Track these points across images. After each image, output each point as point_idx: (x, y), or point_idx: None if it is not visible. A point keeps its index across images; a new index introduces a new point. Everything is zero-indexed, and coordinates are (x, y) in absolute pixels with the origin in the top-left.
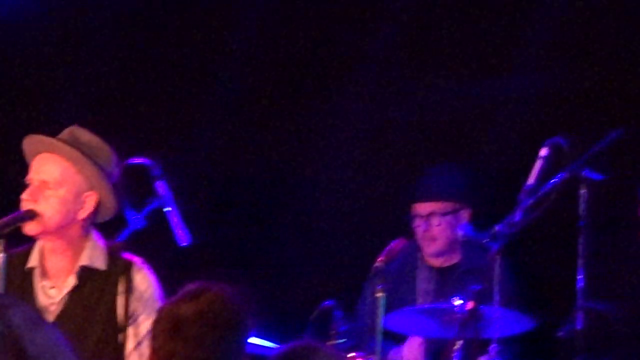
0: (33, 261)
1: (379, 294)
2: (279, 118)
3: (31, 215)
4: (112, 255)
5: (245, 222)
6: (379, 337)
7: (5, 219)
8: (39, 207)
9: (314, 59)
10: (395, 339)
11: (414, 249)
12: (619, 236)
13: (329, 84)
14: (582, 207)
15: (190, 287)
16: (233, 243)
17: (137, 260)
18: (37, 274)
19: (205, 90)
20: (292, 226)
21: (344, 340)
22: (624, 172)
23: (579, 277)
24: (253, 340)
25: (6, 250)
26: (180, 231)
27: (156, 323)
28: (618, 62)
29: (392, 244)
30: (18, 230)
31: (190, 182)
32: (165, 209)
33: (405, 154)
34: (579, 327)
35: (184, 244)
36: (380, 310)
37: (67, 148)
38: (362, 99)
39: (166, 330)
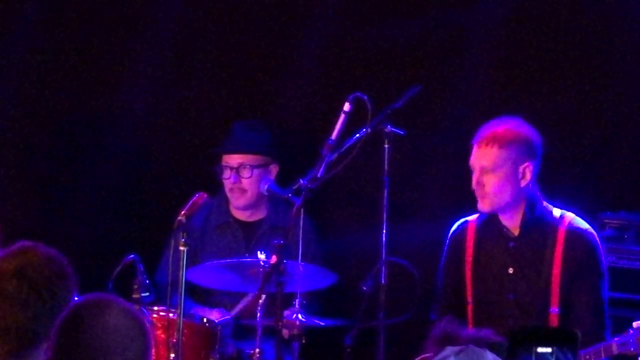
0: None
1: (182, 248)
2: (77, 75)
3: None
4: None
5: (46, 174)
6: (181, 291)
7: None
8: None
9: None
10: (198, 293)
11: (221, 203)
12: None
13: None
14: (385, 161)
15: (14, 245)
16: (33, 196)
17: None
18: None
19: None
20: (94, 180)
21: (147, 294)
22: (423, 128)
23: (383, 231)
24: None
25: None
26: None
27: None
28: (413, 21)
29: (193, 198)
30: None
31: None
32: None
33: (207, 109)
34: (382, 281)
35: None
36: (183, 264)
37: None
38: (154, 56)
39: None
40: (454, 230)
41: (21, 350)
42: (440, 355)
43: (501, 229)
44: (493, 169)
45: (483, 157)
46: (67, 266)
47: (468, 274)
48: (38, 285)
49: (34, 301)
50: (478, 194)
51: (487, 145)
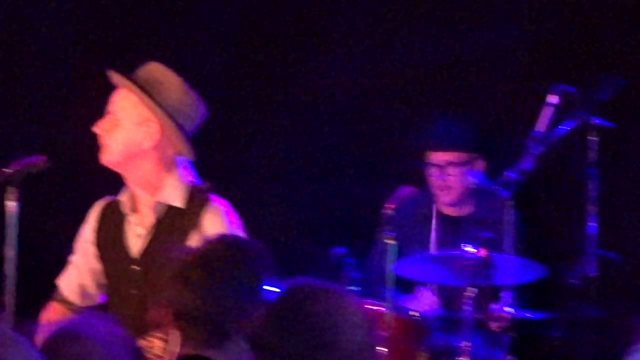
0: (124, 199)
1: (389, 241)
2: (277, 65)
3: (41, 164)
4: (194, 195)
5: (257, 168)
6: (389, 285)
7: (16, 167)
8: (107, 138)
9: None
10: (407, 286)
11: (428, 197)
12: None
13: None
14: (592, 153)
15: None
16: (242, 189)
17: (215, 201)
18: (128, 210)
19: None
20: (302, 172)
21: (355, 287)
22: (631, 119)
23: (589, 223)
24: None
25: (19, 199)
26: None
27: (167, 268)
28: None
29: (399, 191)
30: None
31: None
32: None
33: (412, 102)
34: (591, 273)
35: None
36: (390, 258)
37: (127, 81)
38: (355, 48)
39: (171, 275)
40: None
41: (213, 339)
42: None
43: None
44: None
45: None
46: (256, 254)
47: None
48: (220, 274)
49: (216, 290)
50: None
51: None
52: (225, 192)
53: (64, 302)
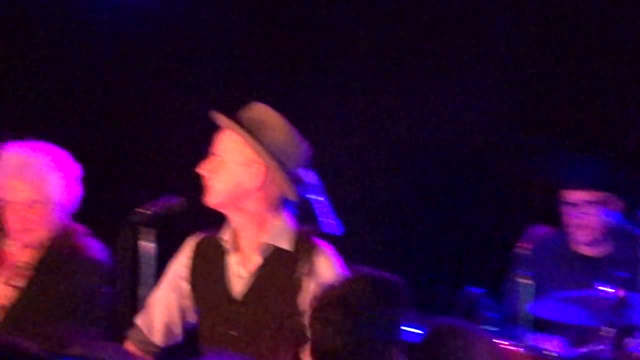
0: (225, 237)
1: (524, 280)
2: (402, 98)
3: (180, 206)
4: (301, 238)
5: (393, 207)
6: (525, 325)
7: (155, 208)
8: (212, 179)
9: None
10: (539, 326)
11: (563, 237)
12: None
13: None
14: None
15: (351, 273)
16: (375, 231)
17: (322, 245)
18: (229, 249)
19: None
20: (438, 209)
21: (492, 327)
22: None
23: None
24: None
25: (157, 239)
26: (331, 220)
27: (310, 307)
28: None
29: (532, 230)
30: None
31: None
32: (315, 198)
33: (544, 139)
34: None
35: (337, 233)
36: (525, 297)
37: (232, 123)
38: (485, 82)
39: (314, 315)
40: None
41: None
42: None
43: None
44: None
45: None
46: (396, 293)
47: None
48: (361, 313)
49: (357, 329)
50: None
51: None
52: (359, 232)
53: (143, 343)
